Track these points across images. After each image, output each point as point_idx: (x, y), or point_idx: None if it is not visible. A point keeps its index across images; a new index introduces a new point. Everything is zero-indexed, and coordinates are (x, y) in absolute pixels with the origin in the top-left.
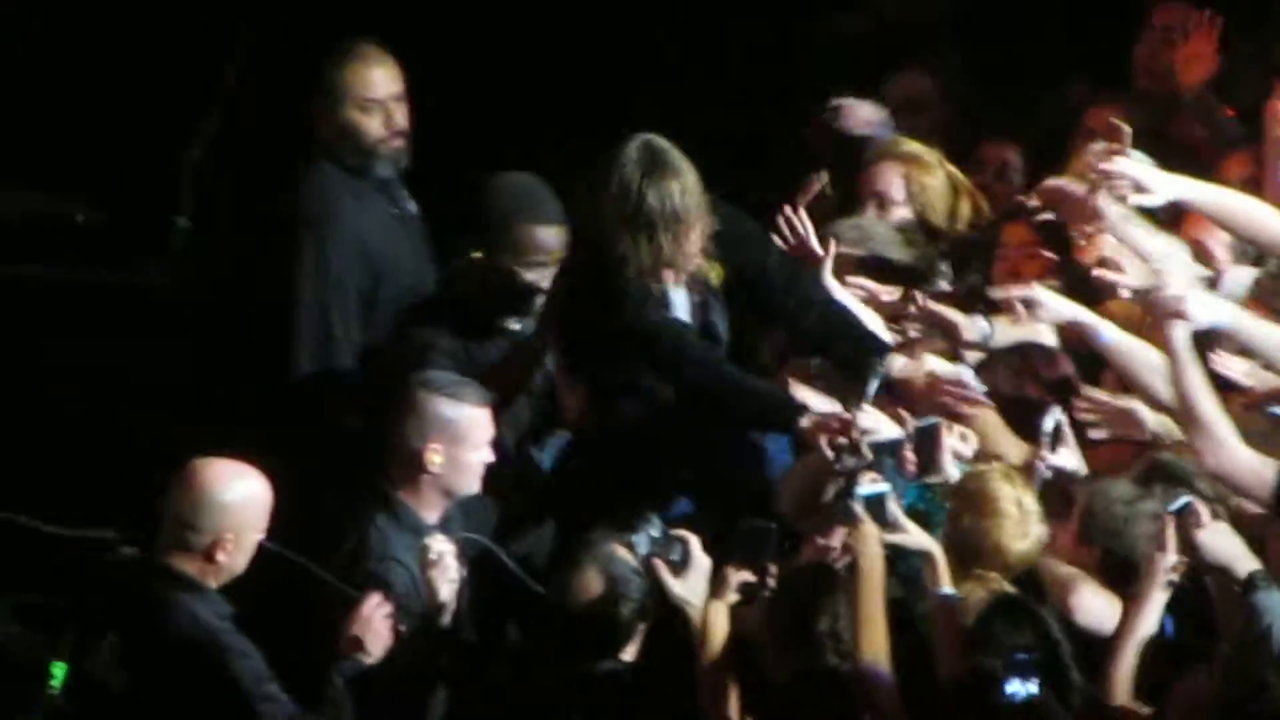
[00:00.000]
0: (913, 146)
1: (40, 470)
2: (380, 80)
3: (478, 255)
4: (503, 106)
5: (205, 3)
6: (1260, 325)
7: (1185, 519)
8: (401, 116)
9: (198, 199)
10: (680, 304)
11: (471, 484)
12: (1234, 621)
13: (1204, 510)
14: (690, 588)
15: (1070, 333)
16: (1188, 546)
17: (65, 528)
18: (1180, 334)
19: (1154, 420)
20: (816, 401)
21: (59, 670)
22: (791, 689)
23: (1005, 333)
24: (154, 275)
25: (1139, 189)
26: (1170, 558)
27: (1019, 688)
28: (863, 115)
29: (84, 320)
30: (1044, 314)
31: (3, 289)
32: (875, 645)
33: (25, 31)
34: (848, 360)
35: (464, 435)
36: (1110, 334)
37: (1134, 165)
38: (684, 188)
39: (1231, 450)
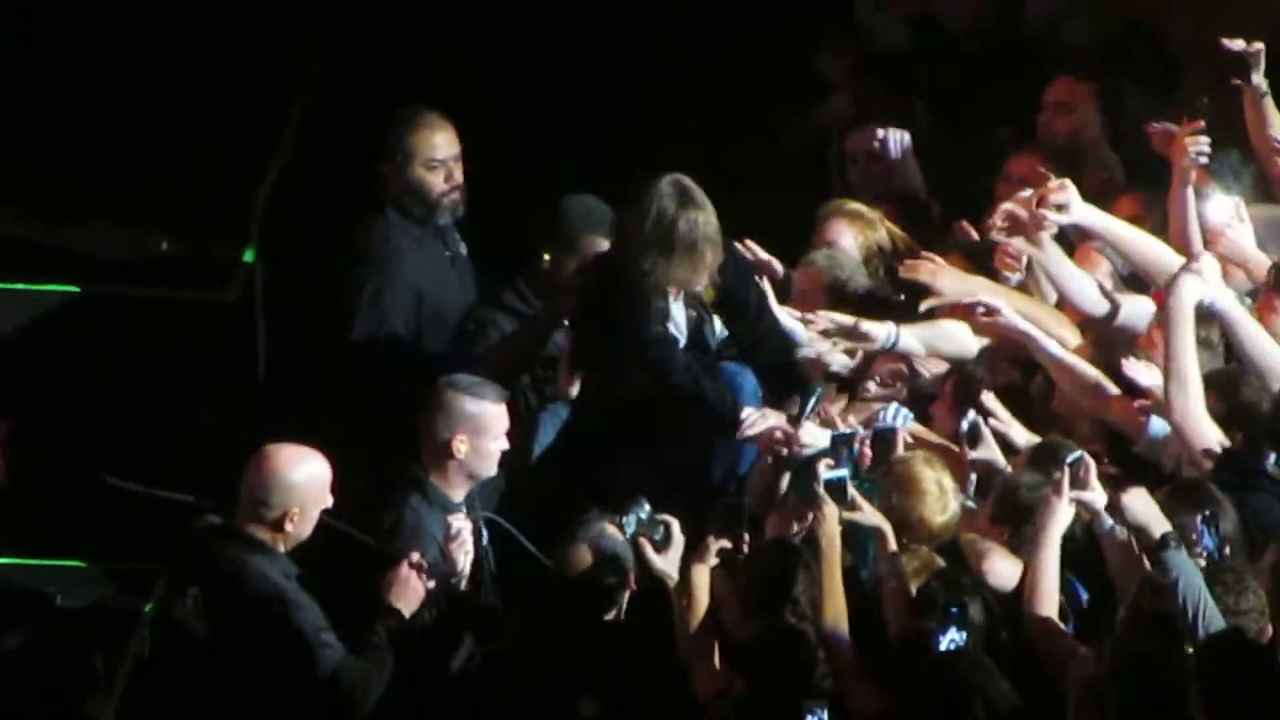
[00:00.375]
0: (858, 206)
1: (131, 449)
2: (443, 144)
3: (547, 258)
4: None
5: (271, 72)
6: (1250, 320)
7: (1077, 469)
8: (458, 174)
9: (263, 232)
10: (679, 316)
11: (490, 469)
12: (1130, 583)
13: (1092, 464)
14: (670, 562)
15: (1013, 343)
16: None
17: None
18: (1188, 299)
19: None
20: (770, 416)
21: (148, 614)
22: (757, 645)
23: (908, 338)
24: (224, 295)
25: (1061, 208)
26: (1065, 500)
27: (953, 636)
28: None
29: (169, 330)
30: (1001, 322)
31: (103, 305)
32: (835, 609)
33: (122, 94)
34: (790, 384)
35: (485, 428)
36: (1053, 348)
37: (1068, 188)
38: (706, 219)
39: (1197, 411)
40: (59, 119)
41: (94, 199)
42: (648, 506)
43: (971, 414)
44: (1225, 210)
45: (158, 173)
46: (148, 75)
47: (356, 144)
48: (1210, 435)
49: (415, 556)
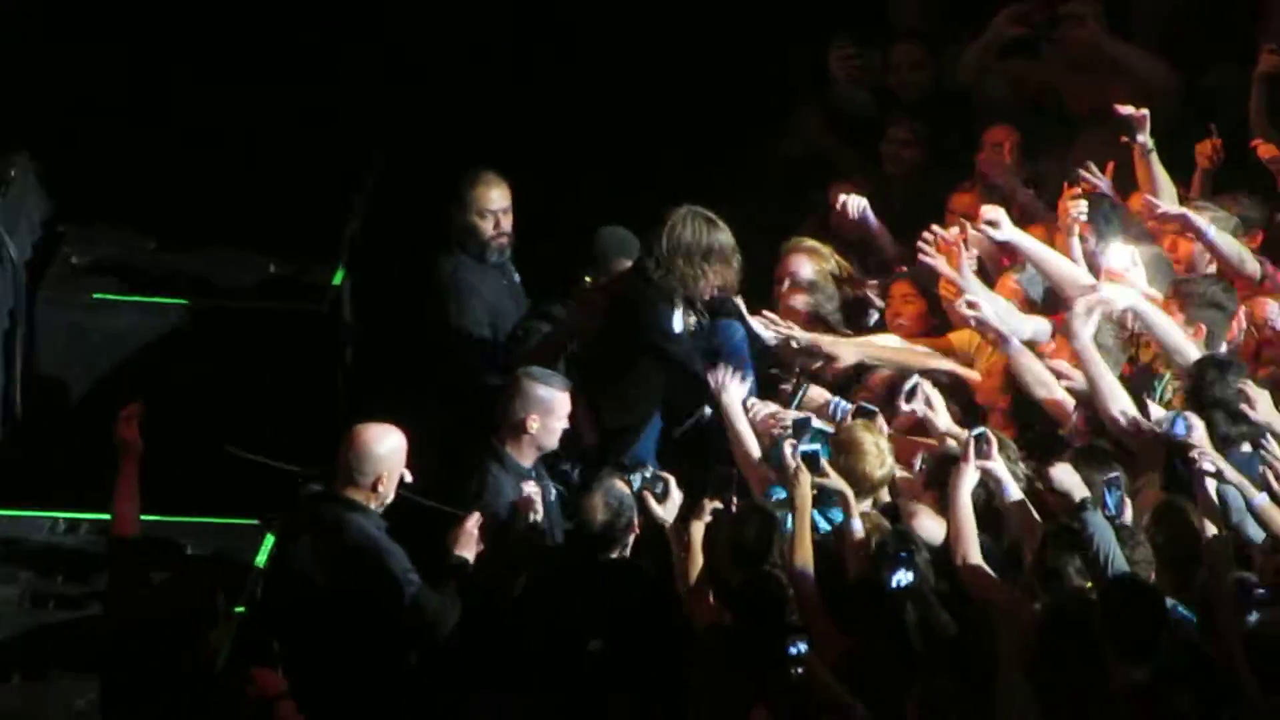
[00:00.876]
0: (813, 242)
1: (242, 428)
2: (495, 197)
3: (588, 280)
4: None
5: (360, 130)
6: (1160, 314)
7: (980, 442)
8: (506, 223)
9: (351, 257)
10: (678, 319)
11: (554, 443)
12: (1031, 538)
13: (994, 439)
14: (668, 511)
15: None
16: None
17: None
18: (1080, 330)
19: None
20: (768, 405)
21: (263, 555)
22: (742, 589)
23: (848, 353)
24: (319, 308)
25: (992, 224)
26: (970, 466)
27: (901, 576)
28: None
29: (275, 335)
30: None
31: (221, 316)
32: (803, 557)
33: (243, 143)
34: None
35: (553, 409)
36: (1016, 345)
37: (999, 210)
38: (727, 241)
39: (1121, 403)
40: (195, 165)
41: (217, 230)
42: (651, 468)
43: (915, 377)
44: (1124, 257)
45: (268, 210)
46: (265, 128)
47: (426, 190)
48: (1133, 417)
49: (475, 516)
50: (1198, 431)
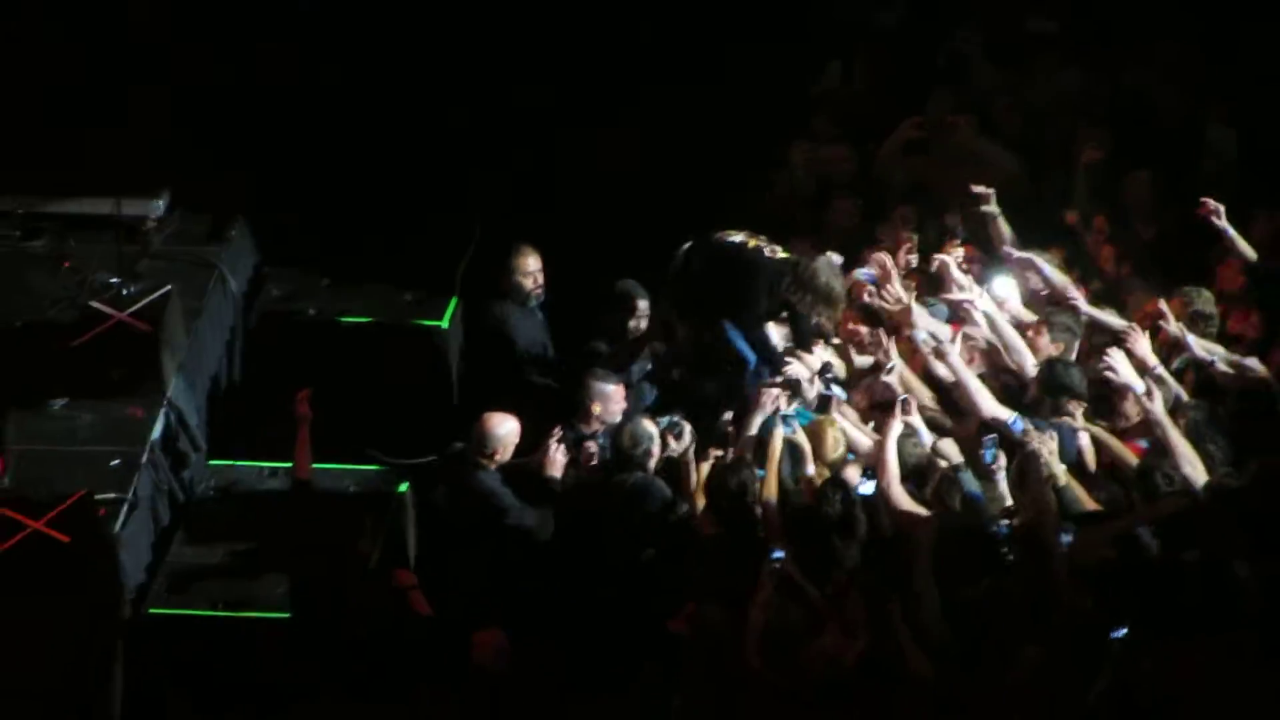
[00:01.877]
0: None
1: (388, 410)
2: (531, 264)
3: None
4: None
5: (470, 197)
6: (1007, 327)
7: (906, 405)
8: (540, 279)
9: (460, 292)
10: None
11: (614, 421)
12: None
13: (914, 402)
14: (682, 447)
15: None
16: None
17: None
18: (949, 350)
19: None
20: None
21: (403, 490)
22: (729, 511)
23: (797, 368)
24: (440, 325)
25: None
26: (898, 419)
27: (838, 505)
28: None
29: (408, 347)
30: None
31: (373, 329)
32: (770, 491)
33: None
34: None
35: (610, 398)
36: (954, 359)
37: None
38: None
39: (988, 405)
40: (351, 224)
41: (369, 272)
42: (674, 416)
43: (831, 363)
44: (1007, 287)
45: (405, 258)
46: (399, 194)
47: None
48: (990, 409)
49: (560, 446)
50: (1003, 460)
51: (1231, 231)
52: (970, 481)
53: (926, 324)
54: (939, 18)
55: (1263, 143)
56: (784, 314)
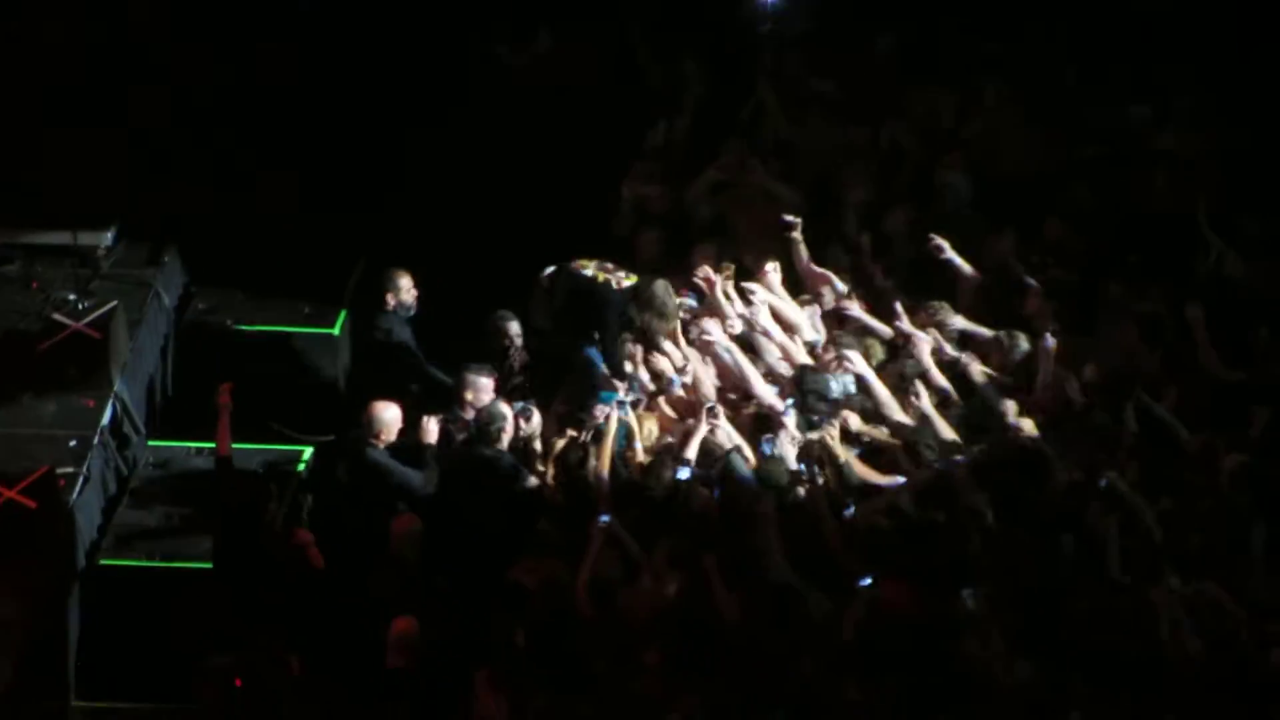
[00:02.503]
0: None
1: (289, 400)
2: (407, 285)
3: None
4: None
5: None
6: (776, 330)
7: (713, 411)
8: (414, 296)
9: (349, 305)
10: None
11: (485, 403)
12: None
13: (720, 409)
14: (530, 430)
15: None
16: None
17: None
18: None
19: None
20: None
21: (301, 466)
22: (569, 482)
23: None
24: (333, 331)
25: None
26: (704, 423)
27: (681, 474)
28: None
29: (306, 349)
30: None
31: (279, 336)
32: (602, 468)
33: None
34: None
35: (481, 388)
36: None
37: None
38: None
39: (755, 384)
40: (262, 250)
41: (276, 288)
42: (526, 403)
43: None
44: (802, 316)
45: (304, 276)
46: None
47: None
48: (764, 394)
49: (434, 419)
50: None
51: (957, 260)
52: (740, 464)
53: (719, 330)
54: (740, 80)
55: (988, 186)
56: (628, 333)
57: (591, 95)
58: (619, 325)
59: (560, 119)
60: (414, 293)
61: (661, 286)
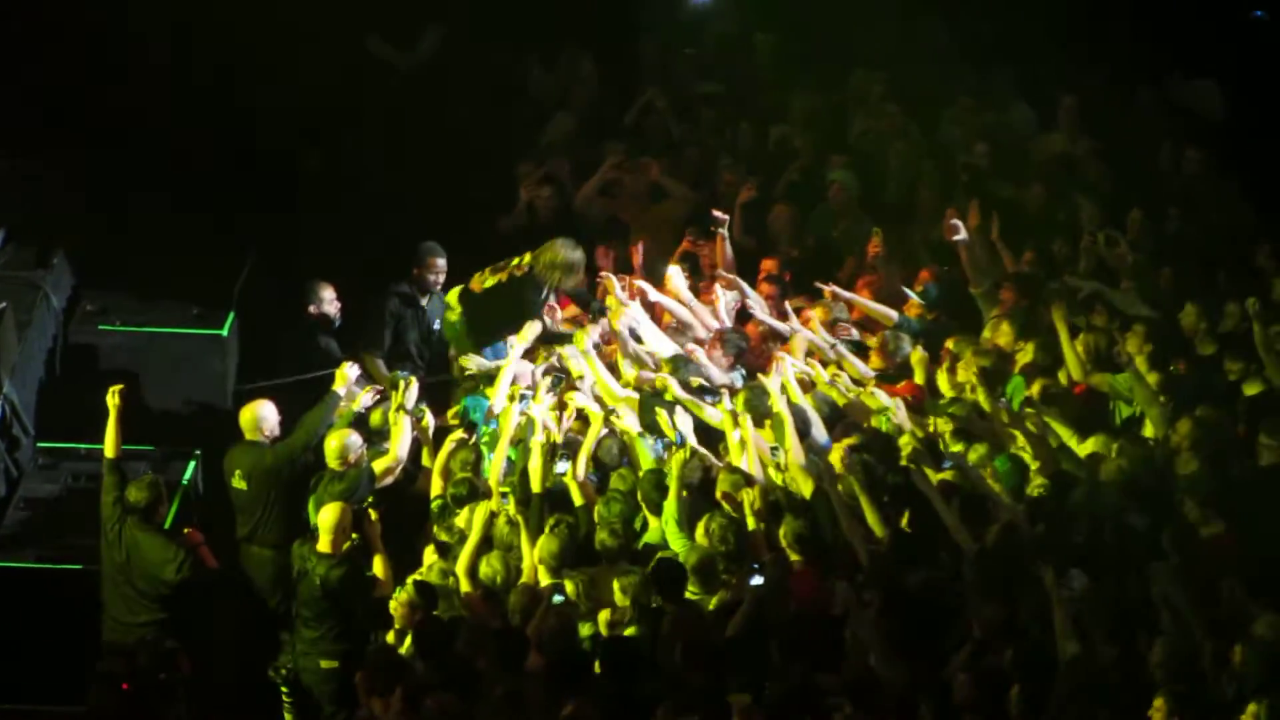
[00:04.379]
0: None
1: (177, 399)
2: (328, 294)
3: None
4: None
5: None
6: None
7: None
8: (336, 305)
9: (237, 307)
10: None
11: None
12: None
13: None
14: (409, 398)
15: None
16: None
17: None
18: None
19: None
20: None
21: (188, 470)
22: (457, 483)
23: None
24: (221, 332)
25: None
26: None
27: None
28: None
29: (195, 349)
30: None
31: (166, 337)
32: (497, 467)
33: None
34: None
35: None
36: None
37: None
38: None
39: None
40: (149, 255)
41: (165, 291)
42: (402, 370)
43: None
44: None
45: (194, 280)
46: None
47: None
48: (720, 378)
49: (354, 365)
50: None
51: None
52: (652, 446)
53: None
54: (629, 86)
55: (875, 185)
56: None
57: (480, 98)
58: (536, 294)
59: (449, 120)
60: (337, 304)
61: (560, 241)
